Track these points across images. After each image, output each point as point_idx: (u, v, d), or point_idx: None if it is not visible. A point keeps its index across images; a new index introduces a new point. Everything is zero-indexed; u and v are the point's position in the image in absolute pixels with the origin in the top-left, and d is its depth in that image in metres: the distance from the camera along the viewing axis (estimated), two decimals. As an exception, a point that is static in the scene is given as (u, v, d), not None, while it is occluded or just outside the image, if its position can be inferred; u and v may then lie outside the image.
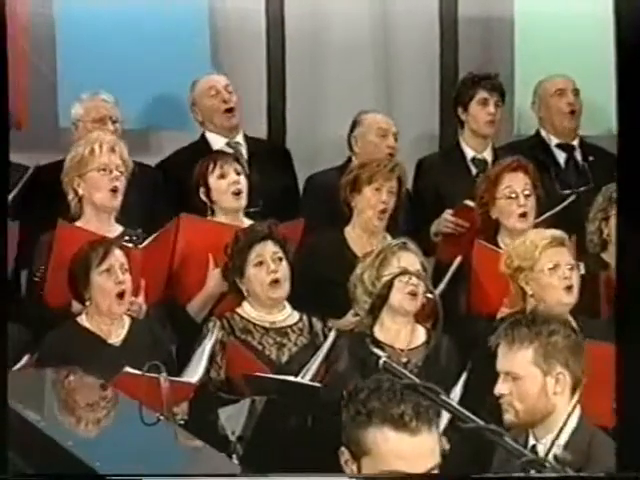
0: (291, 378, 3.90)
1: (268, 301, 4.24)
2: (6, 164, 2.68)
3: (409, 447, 2.45)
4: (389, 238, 4.54)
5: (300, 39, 5.53)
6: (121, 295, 4.05)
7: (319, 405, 3.78)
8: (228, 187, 4.52)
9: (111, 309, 4.05)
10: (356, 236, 4.62)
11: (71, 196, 4.37)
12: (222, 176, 4.53)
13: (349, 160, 5.03)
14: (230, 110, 5.01)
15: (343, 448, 2.52)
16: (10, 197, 4.47)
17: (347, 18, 5.52)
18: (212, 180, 4.53)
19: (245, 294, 4.26)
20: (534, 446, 3.16)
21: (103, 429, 3.17)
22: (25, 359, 3.91)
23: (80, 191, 4.35)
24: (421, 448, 2.46)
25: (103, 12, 5.18)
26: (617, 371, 2.57)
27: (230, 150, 4.91)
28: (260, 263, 4.21)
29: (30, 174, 4.64)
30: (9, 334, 4.00)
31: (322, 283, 4.45)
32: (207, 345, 4.02)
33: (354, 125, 5.03)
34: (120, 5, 5.19)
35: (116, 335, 4.09)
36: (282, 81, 5.54)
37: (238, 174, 4.54)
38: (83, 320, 4.10)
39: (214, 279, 4.37)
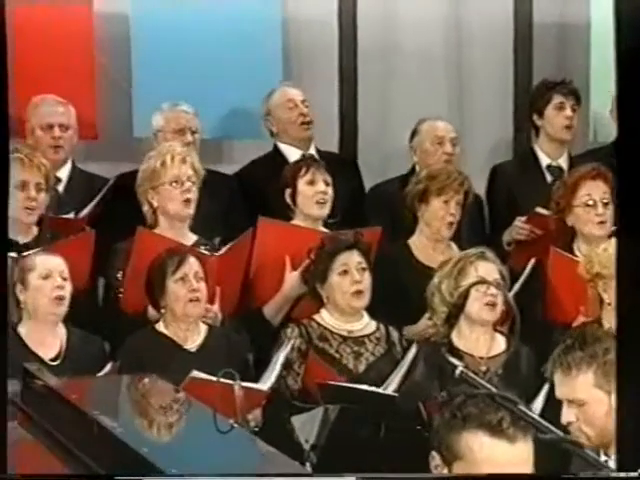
0: (366, 387, 3.89)
1: (348, 310, 4.23)
2: (6, 169, 2.74)
3: (504, 454, 2.42)
4: (454, 247, 4.53)
5: (372, 48, 5.52)
6: (195, 302, 4.08)
7: (394, 414, 3.75)
8: (314, 195, 4.53)
9: (186, 312, 4.09)
10: (421, 245, 4.61)
11: (146, 207, 4.43)
12: (311, 182, 4.55)
13: (412, 169, 5.02)
14: (307, 124, 5.02)
15: (434, 452, 2.49)
16: (90, 206, 4.55)
17: (420, 26, 5.50)
18: (301, 184, 4.55)
19: (324, 300, 4.26)
20: (606, 461, 3.10)
21: (176, 435, 3.17)
22: (109, 367, 3.96)
23: (154, 203, 4.41)
24: (516, 456, 2.43)
25: (178, 23, 5.23)
26: (617, 371, 2.56)
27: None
28: (345, 272, 4.21)
29: (111, 183, 4.70)
30: (90, 342, 4.09)
31: (391, 291, 4.43)
32: (282, 353, 4.03)
33: (413, 134, 5.03)
34: (194, 16, 5.24)
35: (192, 341, 4.13)
36: (354, 90, 5.54)
37: (327, 184, 4.55)
38: (160, 326, 4.15)
39: (291, 282, 4.38)
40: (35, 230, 4.37)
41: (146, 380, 3.57)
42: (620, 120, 2.54)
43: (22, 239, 4.30)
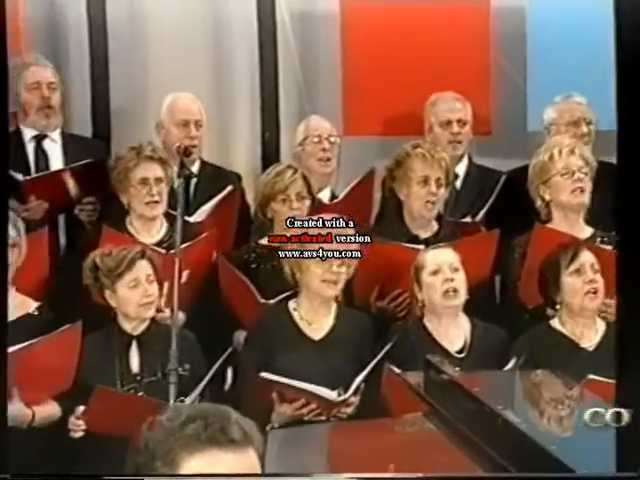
0: None
1: None
2: (6, 169, 2.78)
3: None
4: None
5: None
6: (593, 294, 4.03)
7: None
8: None
9: (584, 305, 4.04)
10: None
11: (539, 202, 4.44)
12: None
13: None
14: None
15: None
16: (486, 208, 4.60)
17: None
18: None
19: None
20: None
21: (580, 434, 3.14)
22: (512, 362, 3.97)
23: (546, 197, 4.42)
24: None
25: (574, 16, 5.15)
26: (618, 371, 2.60)
27: None
28: None
29: (503, 181, 4.73)
30: (494, 336, 4.11)
31: None
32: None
33: None
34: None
35: (589, 339, 4.07)
36: None
37: None
38: (556, 323, 4.12)
39: None
40: (435, 226, 4.46)
41: (545, 376, 3.56)
42: (620, 120, 2.50)
43: (423, 234, 4.42)
